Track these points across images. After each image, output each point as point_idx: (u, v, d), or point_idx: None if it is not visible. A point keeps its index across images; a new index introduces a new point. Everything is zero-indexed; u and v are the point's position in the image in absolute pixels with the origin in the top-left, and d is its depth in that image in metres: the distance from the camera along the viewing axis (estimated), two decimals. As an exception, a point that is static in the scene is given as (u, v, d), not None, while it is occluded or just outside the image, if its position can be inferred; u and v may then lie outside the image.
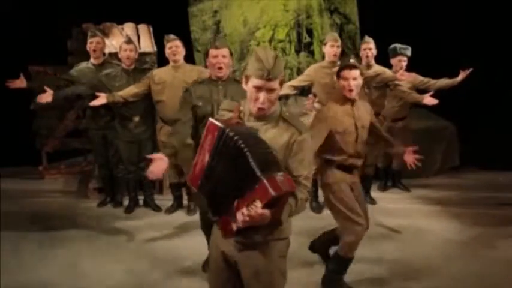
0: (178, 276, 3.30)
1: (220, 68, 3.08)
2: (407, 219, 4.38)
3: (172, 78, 4.15)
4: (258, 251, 1.85)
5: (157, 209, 4.67)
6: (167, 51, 4.24)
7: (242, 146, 1.67)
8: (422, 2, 5.94)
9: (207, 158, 1.79)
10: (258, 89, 1.77)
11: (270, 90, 1.77)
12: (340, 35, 6.64)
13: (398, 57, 4.83)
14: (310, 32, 6.32)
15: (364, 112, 3.04)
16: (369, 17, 6.04)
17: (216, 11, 6.35)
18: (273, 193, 1.61)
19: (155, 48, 5.39)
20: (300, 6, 6.29)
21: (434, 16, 5.89)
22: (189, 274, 3.29)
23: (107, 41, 5.27)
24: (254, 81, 1.76)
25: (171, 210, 4.64)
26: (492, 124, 6.00)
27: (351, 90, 2.90)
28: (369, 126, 3.07)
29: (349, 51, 6.06)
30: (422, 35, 5.51)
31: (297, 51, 6.32)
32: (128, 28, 5.53)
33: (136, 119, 4.31)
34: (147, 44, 5.36)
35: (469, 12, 5.93)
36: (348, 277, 3.14)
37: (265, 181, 1.62)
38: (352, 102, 2.98)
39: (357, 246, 2.99)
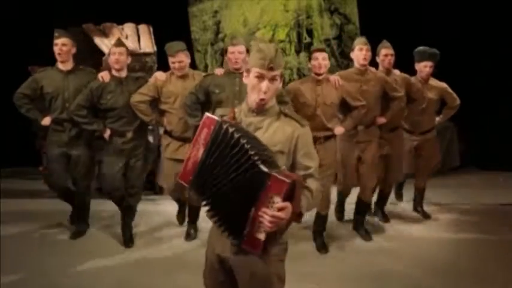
0: (181, 277, 3.29)
1: (236, 62, 3.51)
2: (407, 219, 4.39)
3: (183, 90, 3.74)
4: (254, 255, 1.77)
5: (130, 244, 3.83)
6: (171, 64, 3.79)
7: (242, 141, 1.64)
8: (422, 2, 5.95)
9: (201, 152, 1.75)
10: (260, 78, 1.77)
11: (272, 80, 1.78)
12: (340, 35, 6.68)
13: (424, 63, 4.28)
14: (310, 33, 6.34)
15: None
16: (369, 17, 6.05)
17: (216, 11, 6.37)
18: (288, 180, 1.58)
19: (155, 48, 5.39)
20: (300, 7, 6.30)
21: (434, 16, 5.89)
22: (193, 277, 3.26)
23: (106, 41, 5.27)
24: (256, 71, 1.77)
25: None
26: (492, 124, 6.00)
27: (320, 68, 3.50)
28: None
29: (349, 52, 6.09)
30: (423, 35, 5.51)
31: (297, 52, 6.33)
32: (128, 28, 5.53)
33: (130, 134, 3.77)
34: (147, 44, 5.36)
35: (469, 12, 5.94)
36: (349, 277, 3.15)
37: (274, 173, 1.60)
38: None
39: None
